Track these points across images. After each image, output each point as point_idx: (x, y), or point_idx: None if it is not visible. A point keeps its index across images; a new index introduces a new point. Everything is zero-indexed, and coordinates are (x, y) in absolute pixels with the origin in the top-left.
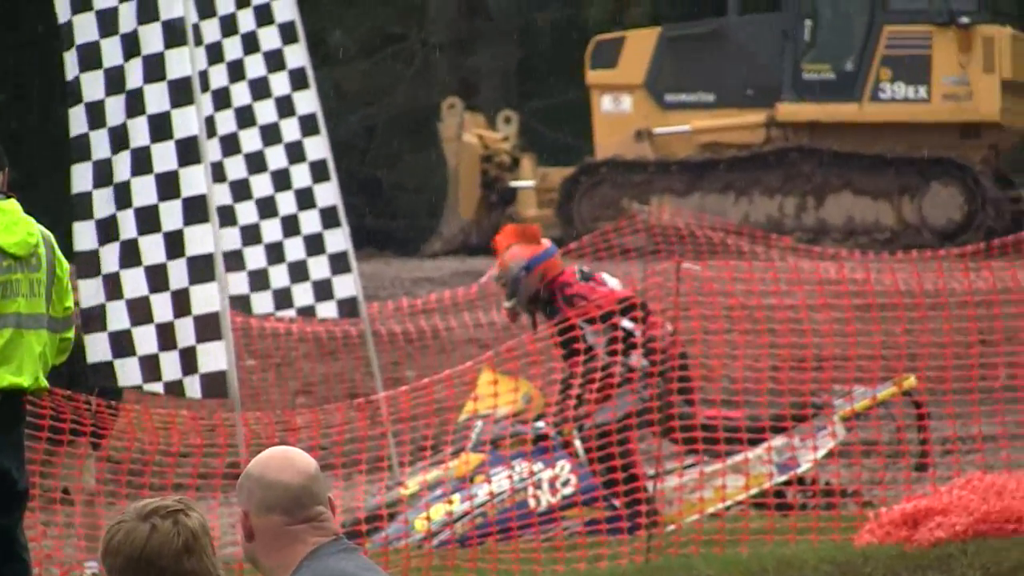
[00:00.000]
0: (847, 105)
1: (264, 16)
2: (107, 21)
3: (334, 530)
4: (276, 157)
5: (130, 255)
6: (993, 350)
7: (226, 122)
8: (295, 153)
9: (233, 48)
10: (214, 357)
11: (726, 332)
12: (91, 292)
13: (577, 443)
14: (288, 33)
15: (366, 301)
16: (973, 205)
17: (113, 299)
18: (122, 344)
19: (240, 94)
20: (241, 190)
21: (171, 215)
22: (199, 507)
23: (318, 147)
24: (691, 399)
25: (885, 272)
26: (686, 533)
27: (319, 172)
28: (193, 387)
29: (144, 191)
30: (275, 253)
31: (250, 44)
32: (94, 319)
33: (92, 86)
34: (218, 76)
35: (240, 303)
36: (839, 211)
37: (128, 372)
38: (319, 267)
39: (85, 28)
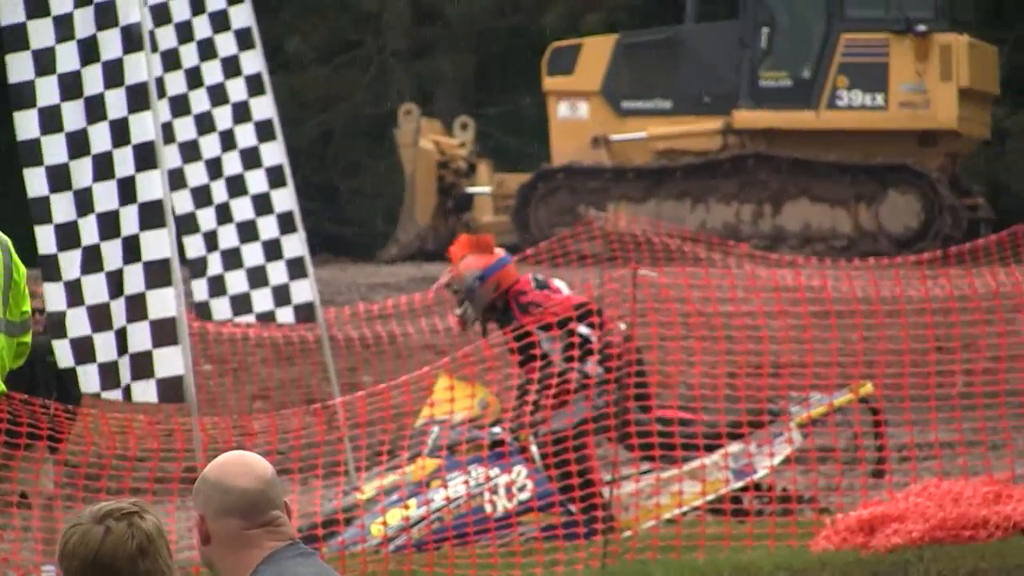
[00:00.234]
0: (804, 112)
1: (220, 22)
2: (63, 26)
3: (290, 534)
4: (232, 163)
5: (91, 261)
6: (950, 357)
7: (185, 128)
8: (251, 159)
9: (189, 55)
10: (171, 362)
11: (683, 339)
12: (54, 297)
13: (533, 448)
14: (244, 39)
15: (323, 306)
16: (930, 213)
17: (75, 305)
18: (83, 351)
19: (198, 100)
20: (201, 196)
21: (129, 220)
22: (155, 510)
23: (274, 153)
24: (647, 404)
25: (842, 279)
26: (642, 539)
27: (276, 178)
28: (149, 392)
29: (106, 196)
30: (233, 259)
31: (207, 50)
32: (56, 325)
33: (46, 91)
34: (175, 82)
35: (201, 309)
36: (796, 218)
37: (89, 379)
38: (277, 272)
39: (40, 33)
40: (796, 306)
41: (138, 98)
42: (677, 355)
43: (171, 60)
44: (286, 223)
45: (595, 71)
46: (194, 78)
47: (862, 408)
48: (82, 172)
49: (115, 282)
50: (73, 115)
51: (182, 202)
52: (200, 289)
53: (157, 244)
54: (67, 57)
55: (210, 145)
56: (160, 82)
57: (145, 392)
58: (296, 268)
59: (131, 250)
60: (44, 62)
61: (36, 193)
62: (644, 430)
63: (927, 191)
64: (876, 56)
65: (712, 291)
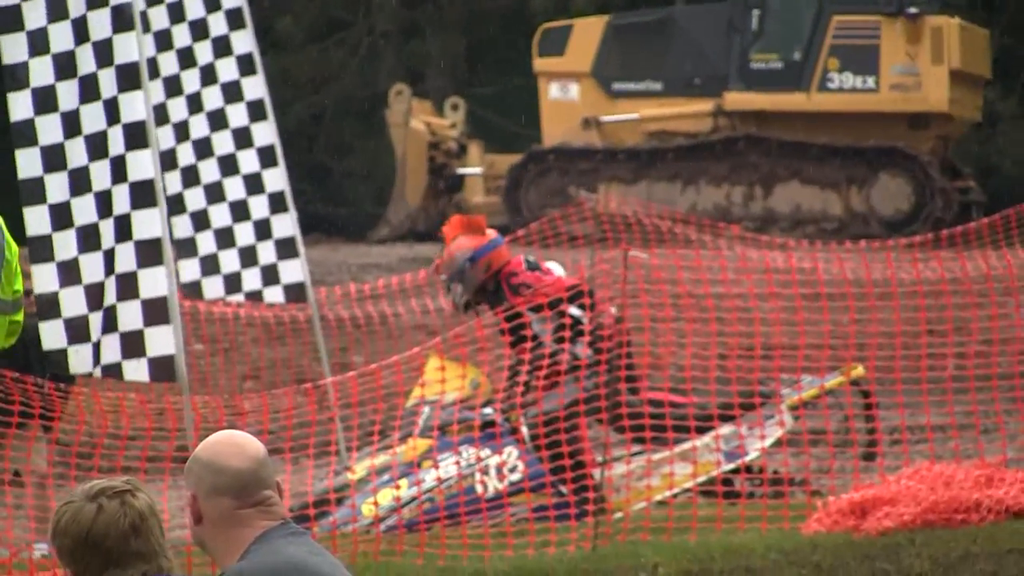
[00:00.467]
0: (795, 94)
1: (212, 2)
2: (56, 6)
3: (282, 514)
4: (224, 143)
5: (87, 239)
6: (942, 340)
7: (178, 109)
8: (243, 139)
9: (182, 35)
10: (162, 341)
11: (674, 320)
12: (45, 278)
13: (524, 429)
14: (235, 19)
15: (314, 287)
16: (921, 195)
17: (70, 285)
18: (77, 330)
19: (191, 81)
20: (191, 176)
21: (120, 199)
22: (147, 489)
23: (266, 133)
24: (638, 386)
25: (833, 261)
26: (634, 520)
27: (267, 158)
28: (141, 370)
29: (100, 176)
30: (225, 238)
31: (199, 30)
32: (48, 305)
33: (41, 72)
34: (168, 63)
35: (192, 289)
36: (787, 200)
37: (81, 359)
38: (267, 252)
39: (33, 13)
40: (787, 288)
41: (128, 77)
42: (668, 337)
43: (163, 40)
44: (277, 203)
45: (586, 52)
46: (186, 58)
47: (854, 391)
48: (77, 152)
49: (109, 261)
50: (68, 95)
51: (173, 183)
52: (192, 269)
53: (148, 223)
54: (61, 37)
55: (200, 125)
56: (153, 62)
57: (137, 371)
58: (287, 248)
59: (122, 229)
60: (38, 42)
61: (28, 174)
62: (635, 411)
63: (918, 174)
64: (867, 38)
65: (703, 273)
